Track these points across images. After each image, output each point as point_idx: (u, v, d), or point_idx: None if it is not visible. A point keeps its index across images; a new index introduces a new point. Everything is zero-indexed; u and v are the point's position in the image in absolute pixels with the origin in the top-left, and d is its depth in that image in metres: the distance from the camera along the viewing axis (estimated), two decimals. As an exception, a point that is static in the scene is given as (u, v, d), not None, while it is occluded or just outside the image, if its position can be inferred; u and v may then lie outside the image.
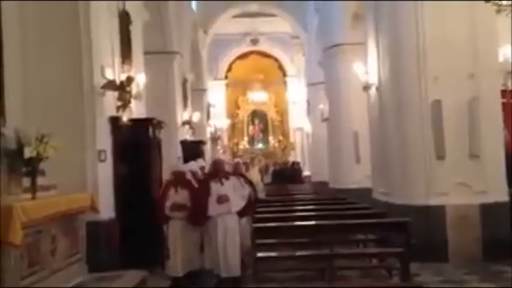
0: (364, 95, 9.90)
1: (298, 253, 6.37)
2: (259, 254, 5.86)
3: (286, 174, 18.28)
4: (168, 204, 6.40)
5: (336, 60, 13.26)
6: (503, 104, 8.38)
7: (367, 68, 9.20)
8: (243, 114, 25.07)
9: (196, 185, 6.64)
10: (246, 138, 24.81)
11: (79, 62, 6.70)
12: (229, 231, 6.10)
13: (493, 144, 7.46)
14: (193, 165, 7.69)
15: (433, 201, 7.30)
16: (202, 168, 7.81)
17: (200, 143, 14.38)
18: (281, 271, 6.54)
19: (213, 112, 21.67)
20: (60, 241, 5.35)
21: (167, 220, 6.47)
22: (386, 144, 8.32)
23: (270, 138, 24.87)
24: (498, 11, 6.21)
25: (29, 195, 5.13)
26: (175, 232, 6.37)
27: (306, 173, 20.65)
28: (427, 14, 7.33)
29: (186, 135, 13.81)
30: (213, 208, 6.10)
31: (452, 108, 7.32)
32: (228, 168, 6.79)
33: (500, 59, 8.43)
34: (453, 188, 7.31)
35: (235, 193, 6.22)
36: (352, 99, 12.41)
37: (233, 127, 24.80)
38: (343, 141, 13.11)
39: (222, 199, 6.10)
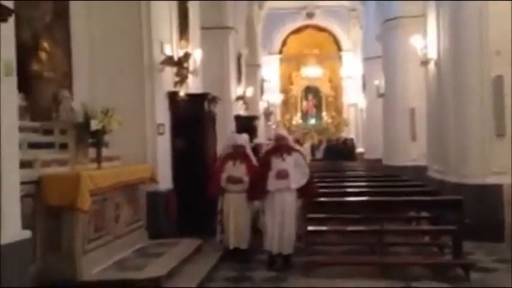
0: (422, 71, 9.65)
1: (348, 228, 6.44)
2: (310, 228, 6.00)
3: (339, 151, 18.12)
4: (224, 176, 6.33)
5: (394, 33, 12.89)
6: None
7: (426, 41, 8.94)
8: (297, 89, 24.93)
9: (254, 160, 6.54)
10: (299, 114, 24.73)
11: (140, 38, 6.94)
12: (287, 208, 5.90)
13: (557, 122, 7.12)
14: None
15: (490, 180, 7.10)
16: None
17: (253, 118, 14.55)
18: (331, 245, 6.66)
19: (267, 87, 21.73)
20: (123, 209, 5.73)
21: (222, 192, 6.40)
22: (443, 121, 8.13)
23: (323, 114, 24.66)
24: None
25: (94, 165, 5.51)
26: (229, 205, 6.30)
27: (359, 149, 20.43)
28: (490, -13, 7.02)
29: (240, 110, 14.01)
30: (272, 183, 5.93)
31: (515, 84, 7.03)
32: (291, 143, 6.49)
33: None
34: (512, 167, 7.08)
35: (296, 170, 5.99)
36: (410, 74, 12.11)
37: (286, 102, 24.76)
38: (398, 118, 12.84)
39: (282, 174, 5.89)
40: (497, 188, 7.02)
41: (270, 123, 20.81)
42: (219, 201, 6.49)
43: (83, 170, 4.95)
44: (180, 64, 7.23)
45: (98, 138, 5.48)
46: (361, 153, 19.65)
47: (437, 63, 8.45)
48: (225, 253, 6.33)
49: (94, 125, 5.30)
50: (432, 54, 8.64)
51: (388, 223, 6.13)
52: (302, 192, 6.01)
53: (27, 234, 3.72)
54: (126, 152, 6.61)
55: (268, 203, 6.00)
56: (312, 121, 24.60)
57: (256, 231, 6.48)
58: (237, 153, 6.45)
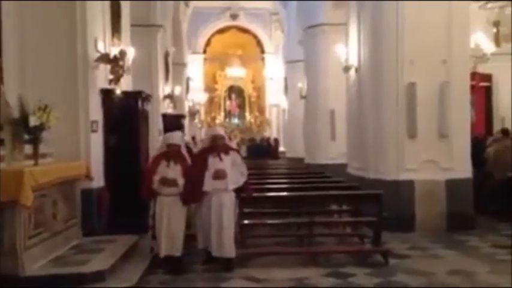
0: (341, 75, 10.35)
1: (281, 221, 6.86)
2: (245, 221, 6.34)
3: (263, 149, 18.71)
4: (156, 178, 5.74)
5: (316, 39, 13.64)
6: (472, 86, 9.00)
7: (347, 49, 9.64)
8: (221, 89, 25.29)
9: (189, 161, 6.04)
10: (222, 113, 25.11)
11: (73, 35, 6.87)
12: (225, 209, 5.69)
13: (461, 126, 8.04)
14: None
15: (403, 177, 7.88)
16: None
17: (180, 117, 14.64)
18: (264, 237, 7.05)
19: (192, 86, 21.84)
20: (60, 206, 5.73)
21: (154, 195, 5.85)
22: (362, 123, 8.85)
23: (247, 113, 25.23)
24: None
25: (30, 162, 5.45)
26: (162, 209, 5.76)
27: (281, 148, 21.15)
28: (407, 2, 7.79)
29: (167, 108, 14.06)
30: (208, 183, 5.69)
31: (426, 90, 7.85)
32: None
33: (472, 45, 9.00)
34: (422, 165, 7.91)
35: (233, 169, 5.80)
36: (330, 78, 12.88)
37: (210, 102, 25.03)
38: (319, 118, 13.61)
39: (219, 174, 5.69)
40: (409, 184, 7.82)
41: (195, 121, 20.93)
42: (151, 204, 6.08)
43: (23, 167, 4.90)
44: (115, 62, 7.25)
45: (35, 135, 5.42)
46: (283, 152, 20.39)
47: (357, 70, 9.18)
48: (154, 261, 5.84)
49: (33, 121, 5.25)
50: (353, 61, 9.36)
51: (314, 216, 6.60)
52: (239, 192, 5.91)
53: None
54: (59, 149, 6.55)
55: (205, 204, 5.75)
56: (235, 120, 25.06)
57: (189, 237, 6.08)
58: (171, 153, 5.88)
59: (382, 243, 6.30)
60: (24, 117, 5.28)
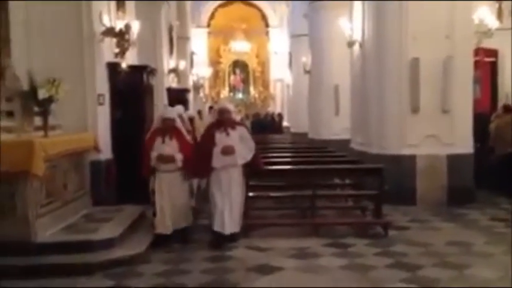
0: (346, 50, 10.36)
1: (284, 193, 7.02)
2: (250, 194, 6.50)
3: (267, 124, 18.80)
4: (154, 155, 5.64)
5: (321, 14, 13.60)
6: (476, 61, 9.02)
7: (352, 24, 9.64)
8: (225, 63, 25.23)
9: (186, 134, 5.97)
10: (227, 88, 25.11)
11: (79, 8, 6.94)
12: (234, 185, 5.68)
13: (463, 101, 8.11)
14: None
15: (405, 151, 8.00)
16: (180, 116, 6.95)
17: (185, 91, 14.72)
18: (267, 209, 7.23)
19: (195, 60, 21.80)
20: (71, 176, 5.91)
21: (153, 172, 5.75)
22: (366, 98, 8.92)
23: (251, 88, 25.23)
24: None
25: (40, 133, 5.60)
26: (162, 185, 5.67)
27: (285, 123, 21.24)
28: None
29: (172, 83, 14.12)
30: (217, 159, 5.61)
31: (429, 66, 7.86)
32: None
33: (476, 21, 8.98)
34: (424, 140, 8.00)
35: (241, 144, 5.72)
36: (335, 53, 12.87)
37: (215, 76, 25.01)
38: (323, 94, 13.67)
39: (228, 150, 5.61)
40: (411, 159, 7.94)
41: (200, 96, 20.99)
42: (150, 181, 5.86)
43: (34, 137, 5.05)
44: (121, 35, 7.31)
45: (44, 107, 5.55)
46: (287, 127, 20.48)
47: (361, 45, 9.20)
48: (157, 239, 5.64)
49: (42, 94, 5.38)
50: (357, 36, 9.37)
51: (317, 189, 6.74)
52: (248, 166, 5.85)
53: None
54: (67, 122, 6.69)
55: (214, 180, 5.70)
56: (240, 95, 25.08)
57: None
58: (166, 128, 5.76)
59: (383, 215, 6.46)
60: (33, 90, 5.40)
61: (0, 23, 5.91)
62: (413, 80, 7.94)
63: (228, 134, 5.71)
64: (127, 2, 8.83)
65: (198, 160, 5.71)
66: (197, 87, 20.38)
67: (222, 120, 5.81)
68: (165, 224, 5.62)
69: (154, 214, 5.79)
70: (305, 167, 6.84)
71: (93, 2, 7.04)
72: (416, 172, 7.97)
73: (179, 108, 6.85)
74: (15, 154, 4.61)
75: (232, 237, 5.74)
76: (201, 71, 22.51)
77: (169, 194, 5.65)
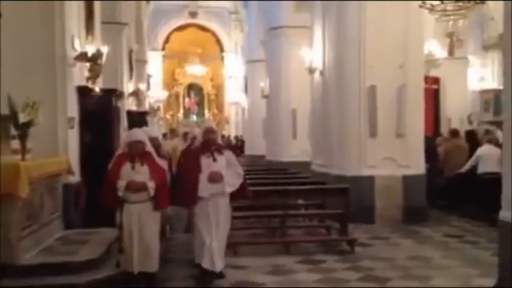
0: (303, 76, 10.93)
1: (254, 213, 7.29)
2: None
3: (228, 146, 19.05)
4: (122, 184, 4.85)
5: (278, 41, 14.19)
6: (425, 89, 9.77)
7: (312, 52, 10.20)
8: (180, 86, 25.42)
9: (157, 159, 5.20)
10: (181, 111, 25.26)
11: (52, 33, 7.03)
12: (222, 216, 5.16)
13: (415, 126, 8.76)
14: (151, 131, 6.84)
15: (365, 173, 8.52)
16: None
17: (145, 114, 14.78)
18: (236, 229, 7.44)
19: (151, 83, 21.88)
20: (46, 199, 5.90)
21: (120, 204, 4.94)
22: (327, 122, 9.44)
23: (205, 111, 25.51)
24: (431, 11, 7.35)
25: (17, 157, 5.61)
26: (131, 219, 4.89)
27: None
28: (368, 11, 8.43)
29: (132, 105, 14.18)
30: (204, 188, 5.07)
31: (385, 93, 8.50)
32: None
33: (425, 51, 9.78)
34: (381, 162, 8.57)
35: (229, 171, 5.21)
36: (292, 79, 13.48)
37: (169, 99, 25.12)
38: (281, 117, 14.18)
39: (215, 177, 5.09)
40: (370, 179, 8.46)
41: (156, 119, 21.02)
42: (117, 213, 5.13)
43: (16, 160, 5.10)
44: (94, 60, 7.44)
45: (23, 131, 5.59)
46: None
47: (322, 73, 9.76)
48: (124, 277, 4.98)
49: (22, 117, 5.42)
50: (318, 63, 9.93)
51: (286, 209, 7.07)
52: (235, 195, 5.30)
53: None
54: (38, 145, 6.68)
55: (200, 212, 5.16)
56: (194, 118, 25.28)
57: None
58: (135, 153, 4.99)
59: (348, 233, 6.86)
60: (13, 114, 5.44)
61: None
62: (371, 106, 8.52)
63: (214, 159, 5.18)
64: (95, 26, 8.97)
65: (182, 188, 5.15)
66: (153, 110, 20.43)
67: (208, 143, 5.27)
68: (132, 264, 4.88)
69: (120, 251, 5.04)
70: (276, 188, 7.14)
71: (66, 26, 7.15)
72: (375, 192, 8.49)
73: (147, 130, 6.44)
74: (1, 177, 4.64)
75: (221, 274, 5.25)
76: (156, 93, 22.59)
77: (139, 228, 4.89)
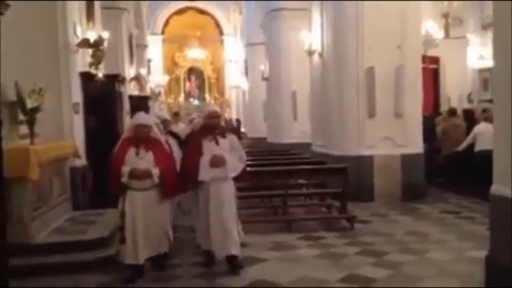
0: (303, 58, 11.05)
1: (256, 193, 7.49)
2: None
3: (230, 130, 19.19)
4: (125, 170, 4.67)
5: (278, 23, 14.26)
6: (424, 69, 9.89)
7: (311, 35, 10.30)
8: (180, 70, 25.46)
9: (165, 145, 5.07)
10: (182, 95, 25.34)
11: (54, 19, 7.16)
12: (226, 201, 4.93)
13: (413, 106, 8.91)
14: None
15: (364, 152, 8.71)
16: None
17: (147, 98, 14.93)
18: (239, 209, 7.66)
19: (152, 67, 21.95)
20: (55, 181, 6.12)
21: (124, 191, 4.75)
22: (326, 104, 9.59)
23: (206, 95, 25.58)
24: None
25: (26, 141, 5.81)
26: (135, 207, 4.70)
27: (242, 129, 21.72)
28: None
29: (133, 90, 14.32)
30: (205, 172, 4.87)
31: (383, 74, 8.62)
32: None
33: (423, 32, 9.86)
34: (380, 142, 8.75)
35: (232, 154, 5.02)
36: (292, 61, 13.60)
37: (170, 83, 25.18)
38: (282, 100, 14.33)
39: (217, 161, 4.90)
40: (369, 159, 8.65)
41: (157, 103, 21.14)
42: (119, 201, 4.82)
43: (26, 145, 5.29)
44: (96, 46, 7.58)
45: (31, 116, 5.77)
46: (243, 133, 20.98)
47: (321, 55, 9.87)
48: (124, 270, 4.78)
49: (30, 103, 5.60)
50: (316, 46, 10.04)
51: (288, 189, 7.27)
52: (236, 178, 5.11)
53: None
54: (44, 130, 6.86)
55: (202, 196, 4.98)
56: (195, 102, 25.37)
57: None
58: (140, 138, 4.80)
59: (348, 211, 7.08)
60: (21, 100, 5.61)
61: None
62: (369, 87, 8.66)
63: (217, 143, 4.99)
64: (96, 12, 9.08)
65: (181, 173, 5.02)
66: (154, 94, 20.54)
67: (210, 126, 5.09)
68: (137, 254, 4.67)
69: (121, 241, 4.73)
70: (278, 168, 7.33)
71: (68, 13, 7.27)
72: (374, 171, 8.69)
73: (158, 112, 6.76)
74: (12, 161, 4.82)
75: (232, 261, 4.97)
76: (157, 78, 22.67)
77: (144, 217, 4.70)
